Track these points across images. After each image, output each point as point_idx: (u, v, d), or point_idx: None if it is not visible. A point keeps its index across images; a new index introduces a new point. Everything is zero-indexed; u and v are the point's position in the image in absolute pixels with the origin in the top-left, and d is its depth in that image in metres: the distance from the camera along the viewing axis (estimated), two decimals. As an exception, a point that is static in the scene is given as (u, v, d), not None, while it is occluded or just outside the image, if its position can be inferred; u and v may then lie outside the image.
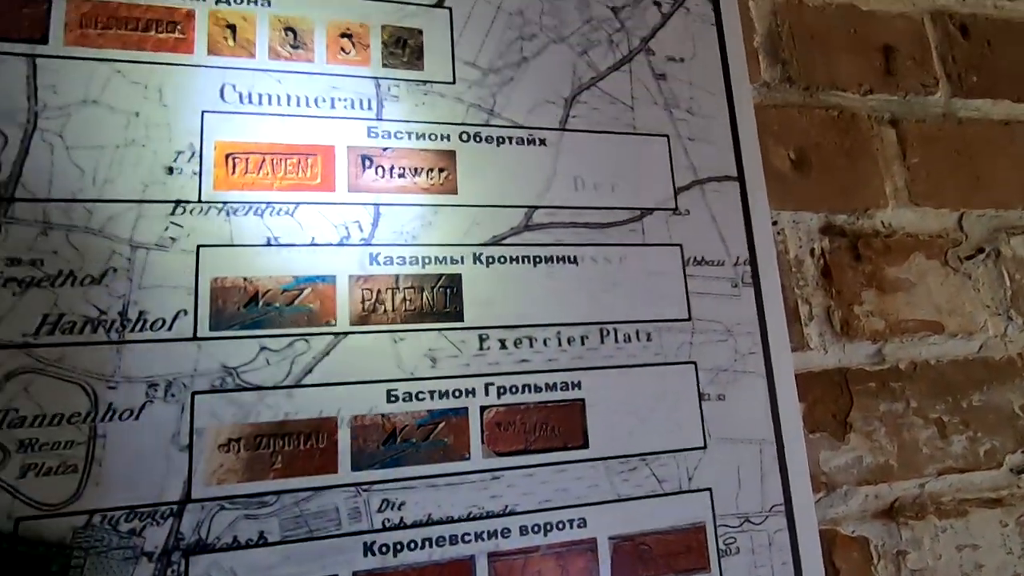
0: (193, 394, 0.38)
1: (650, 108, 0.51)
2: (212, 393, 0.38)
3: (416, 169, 0.44)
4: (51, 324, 0.36)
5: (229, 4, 0.43)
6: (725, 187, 0.51)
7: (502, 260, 0.45)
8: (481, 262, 0.44)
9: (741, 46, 0.55)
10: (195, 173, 0.40)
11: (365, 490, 0.39)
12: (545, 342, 0.44)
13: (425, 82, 0.46)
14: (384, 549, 0.38)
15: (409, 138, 0.45)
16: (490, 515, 0.41)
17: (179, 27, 0.42)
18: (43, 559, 0.34)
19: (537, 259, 0.45)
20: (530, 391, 0.43)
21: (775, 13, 0.60)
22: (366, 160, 0.44)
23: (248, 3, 0.44)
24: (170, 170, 0.40)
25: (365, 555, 0.38)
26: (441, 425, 0.41)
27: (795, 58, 0.59)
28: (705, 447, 0.46)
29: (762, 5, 0.59)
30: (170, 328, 0.38)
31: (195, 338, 0.38)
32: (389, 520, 0.39)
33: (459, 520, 0.40)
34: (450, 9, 0.48)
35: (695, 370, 0.47)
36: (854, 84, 0.60)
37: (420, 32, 0.47)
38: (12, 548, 0.34)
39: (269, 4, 0.44)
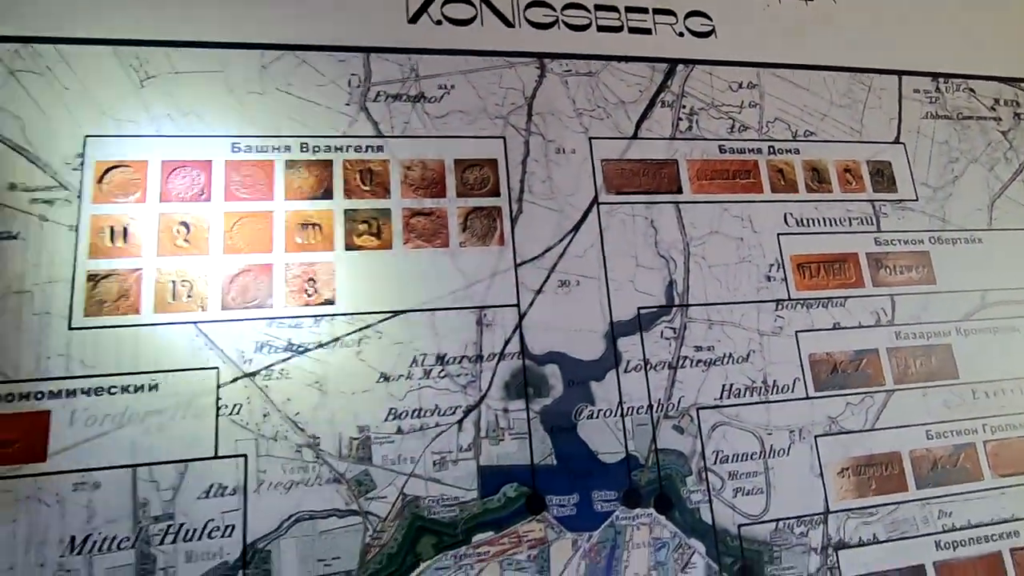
0: (815, 437, 0.54)
1: (1041, 208, 0.67)
2: (825, 436, 0.54)
3: (908, 267, 0.61)
4: (726, 391, 0.53)
5: (775, 154, 0.60)
6: (1101, 265, 0.67)
7: (974, 332, 0.60)
8: (961, 334, 0.60)
9: (1085, 151, 0.71)
10: (782, 279, 0.57)
11: (927, 504, 0.55)
12: (1013, 391, 0.60)
13: (899, 201, 0.62)
14: (947, 545, 0.54)
15: (899, 244, 0.61)
16: (1005, 520, 0.56)
17: (751, 174, 0.59)
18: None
19: (995, 330, 0.61)
20: (1012, 429, 0.59)
21: (1093, 119, 0.75)
22: (877, 262, 0.60)
23: (785, 152, 0.61)
24: (768, 278, 0.57)
25: (936, 549, 0.54)
26: (962, 455, 0.57)
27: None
28: None
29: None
30: (791, 391, 0.55)
31: (807, 398, 0.55)
32: (945, 525, 0.55)
33: (988, 524, 0.55)
34: (904, 144, 0.64)
35: (1112, 409, 0.62)
36: None
37: (889, 164, 0.63)
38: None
39: (798, 152, 0.61)
